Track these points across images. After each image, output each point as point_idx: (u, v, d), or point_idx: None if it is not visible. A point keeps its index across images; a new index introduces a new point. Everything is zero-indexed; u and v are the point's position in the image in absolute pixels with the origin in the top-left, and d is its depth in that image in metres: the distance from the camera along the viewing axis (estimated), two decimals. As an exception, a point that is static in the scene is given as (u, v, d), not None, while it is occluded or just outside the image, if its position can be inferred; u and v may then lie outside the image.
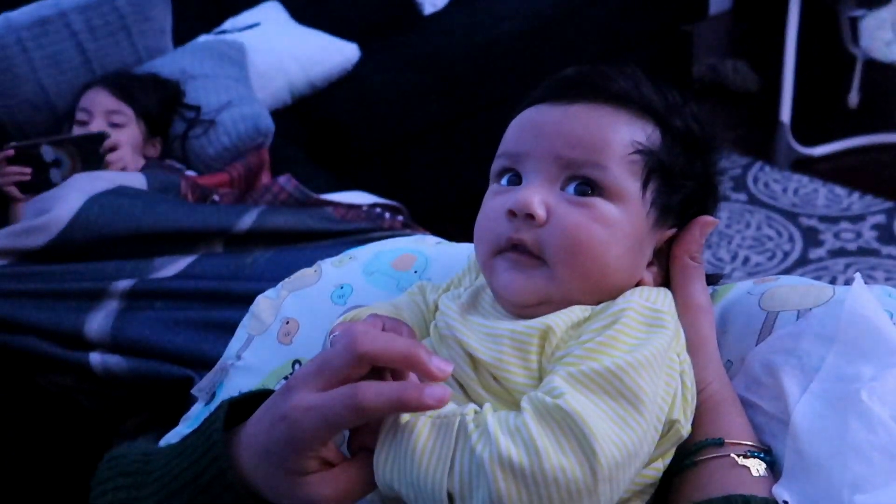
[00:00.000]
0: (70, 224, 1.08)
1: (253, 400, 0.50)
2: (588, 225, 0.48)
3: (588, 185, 0.49)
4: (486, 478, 0.40)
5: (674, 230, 0.53)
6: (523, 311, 0.50)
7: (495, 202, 0.51)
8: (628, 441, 0.42)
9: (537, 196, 0.49)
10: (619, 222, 0.49)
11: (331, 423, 0.42)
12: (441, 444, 0.42)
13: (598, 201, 0.49)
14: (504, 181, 0.53)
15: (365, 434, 0.45)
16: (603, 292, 0.49)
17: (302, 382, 0.44)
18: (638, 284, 0.51)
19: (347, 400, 0.42)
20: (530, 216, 0.49)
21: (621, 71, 0.53)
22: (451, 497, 0.42)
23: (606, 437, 0.41)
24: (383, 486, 0.44)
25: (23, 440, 0.98)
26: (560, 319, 0.48)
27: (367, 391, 0.41)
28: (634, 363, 0.43)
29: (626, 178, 0.50)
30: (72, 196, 1.10)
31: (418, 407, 0.41)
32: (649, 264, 0.52)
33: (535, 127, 0.52)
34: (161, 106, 1.50)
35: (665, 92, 0.53)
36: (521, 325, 0.48)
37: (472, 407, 0.44)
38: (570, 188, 0.50)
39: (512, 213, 0.49)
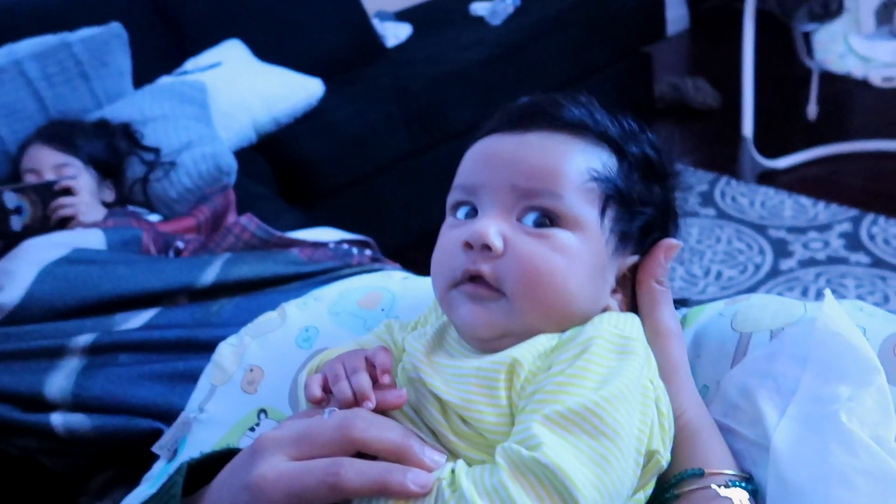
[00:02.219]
0: (22, 303, 1.05)
1: (217, 459, 0.48)
2: (546, 255, 0.48)
3: (546, 217, 0.49)
4: None
5: (636, 256, 0.52)
6: (486, 344, 0.49)
7: (451, 235, 0.50)
8: (609, 482, 0.40)
9: (493, 227, 0.48)
10: (579, 251, 0.48)
11: (301, 497, 0.40)
12: None
13: (556, 231, 0.48)
14: (461, 214, 0.52)
15: None
16: (566, 321, 0.48)
17: (273, 447, 0.43)
18: (604, 311, 0.50)
19: (328, 476, 0.40)
20: (487, 247, 0.48)
21: (575, 99, 0.53)
22: None
23: (588, 484, 0.40)
24: None
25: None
26: (526, 351, 0.46)
27: (350, 470, 0.40)
28: (610, 398, 0.42)
29: (583, 206, 0.49)
30: (22, 270, 1.07)
31: (401, 494, 0.40)
32: (613, 291, 0.51)
33: (489, 157, 0.51)
34: (108, 150, 1.47)
35: (620, 120, 0.53)
36: (487, 361, 0.47)
37: (448, 468, 0.42)
38: (528, 219, 0.49)
39: (468, 245, 0.48)
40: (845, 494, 0.42)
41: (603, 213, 0.49)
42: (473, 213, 0.51)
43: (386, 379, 0.47)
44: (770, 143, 2.34)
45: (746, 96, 2.23)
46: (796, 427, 0.46)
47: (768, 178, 2.29)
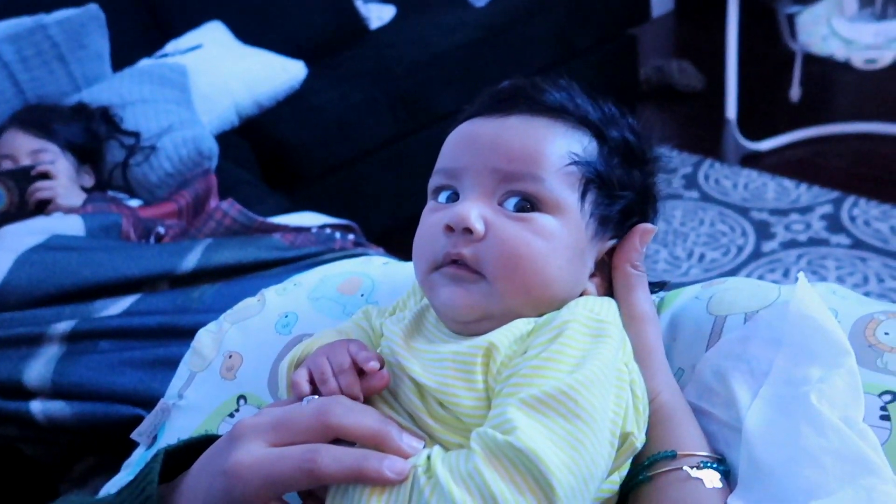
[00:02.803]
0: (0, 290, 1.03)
1: (194, 446, 0.48)
2: (527, 238, 0.48)
3: (527, 201, 0.49)
4: None
5: (615, 241, 0.52)
6: (465, 327, 0.49)
7: (433, 218, 0.51)
8: (583, 464, 0.41)
9: (475, 210, 0.48)
10: (559, 234, 0.49)
11: (278, 483, 0.41)
12: (395, 498, 0.41)
13: (536, 215, 0.49)
14: (442, 198, 0.52)
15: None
16: (545, 305, 0.49)
17: (251, 433, 0.43)
18: (582, 295, 0.51)
19: (304, 463, 0.40)
20: (468, 230, 0.48)
21: (556, 83, 0.53)
22: None
23: (562, 467, 0.40)
24: None
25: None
26: (503, 336, 0.47)
27: (326, 456, 0.41)
28: (584, 381, 0.43)
29: (564, 190, 0.49)
30: None
31: (377, 480, 0.41)
32: (592, 275, 0.52)
33: (471, 141, 0.51)
34: (86, 134, 1.45)
35: (601, 104, 0.53)
36: (464, 345, 0.47)
37: (424, 454, 0.43)
38: (509, 204, 0.49)
39: (449, 228, 0.49)
40: (814, 474, 0.42)
41: (583, 197, 0.50)
42: (455, 196, 0.51)
43: (374, 365, 0.47)
44: (754, 125, 2.35)
45: (730, 79, 2.23)
46: (768, 409, 0.46)
47: (752, 160, 2.30)
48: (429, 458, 0.42)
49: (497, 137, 0.50)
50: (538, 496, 0.39)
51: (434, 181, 0.53)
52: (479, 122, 0.52)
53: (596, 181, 0.50)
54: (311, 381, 0.48)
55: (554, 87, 0.52)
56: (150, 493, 0.43)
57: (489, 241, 0.48)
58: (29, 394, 0.94)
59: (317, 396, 0.47)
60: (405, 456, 0.42)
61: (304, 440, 0.42)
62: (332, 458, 0.41)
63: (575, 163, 0.49)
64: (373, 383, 0.47)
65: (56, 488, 0.97)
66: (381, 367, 0.48)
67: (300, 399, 0.47)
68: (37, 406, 0.92)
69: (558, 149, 0.49)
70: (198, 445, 0.48)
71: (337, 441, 0.43)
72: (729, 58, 2.21)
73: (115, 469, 0.68)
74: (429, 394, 0.46)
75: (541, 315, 0.48)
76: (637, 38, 2.55)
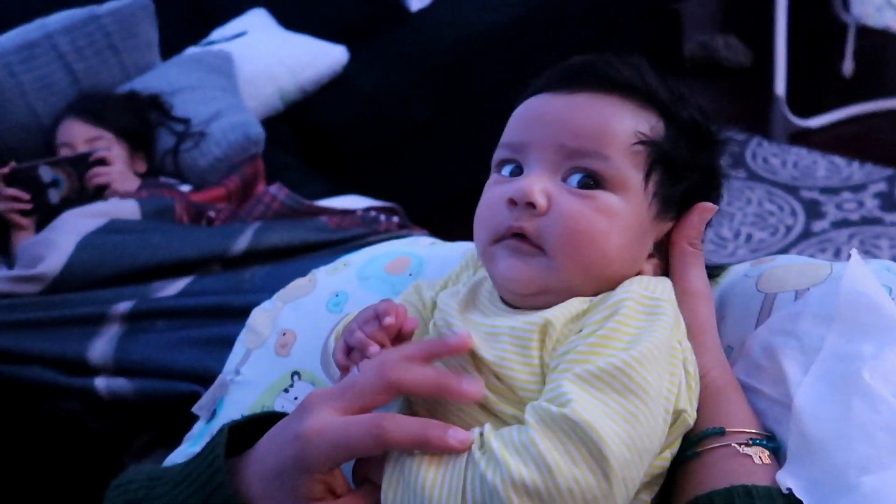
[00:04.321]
0: (63, 272, 1.09)
1: (255, 423, 0.50)
2: (589, 215, 0.48)
3: (591, 178, 0.49)
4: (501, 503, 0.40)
5: (674, 222, 0.52)
6: (523, 300, 0.49)
7: (496, 191, 0.51)
8: (637, 438, 0.41)
9: (538, 185, 0.48)
10: (621, 213, 0.49)
11: (347, 447, 0.42)
12: (450, 475, 0.42)
13: (600, 193, 0.49)
14: (505, 171, 0.52)
15: (369, 466, 0.45)
16: (602, 283, 0.49)
17: (320, 402, 0.44)
18: (637, 275, 0.51)
19: (372, 429, 0.42)
20: (531, 205, 0.48)
21: (626, 60, 0.52)
22: None
23: (616, 439, 0.40)
24: None
25: (33, 466, 0.99)
26: (559, 313, 0.47)
27: (392, 423, 0.42)
28: (640, 357, 0.43)
29: (629, 169, 0.49)
30: (62, 240, 1.11)
31: (441, 447, 0.42)
32: (650, 256, 0.52)
33: (537, 116, 0.51)
34: (138, 121, 1.50)
35: (670, 84, 0.53)
36: (520, 321, 0.48)
37: (476, 431, 0.43)
38: (573, 180, 0.49)
39: (512, 202, 0.49)
40: (866, 449, 0.42)
41: (648, 176, 0.50)
42: (518, 171, 0.51)
43: (389, 320, 0.49)
44: (803, 101, 2.28)
45: (779, 53, 2.17)
46: (819, 385, 0.46)
47: (801, 137, 2.24)
48: (481, 434, 0.43)
49: (564, 114, 0.50)
50: (592, 468, 0.40)
51: (498, 154, 0.53)
52: (546, 98, 0.52)
53: (662, 161, 0.50)
54: (348, 352, 0.50)
55: (624, 64, 0.52)
56: (219, 465, 0.45)
57: (551, 216, 0.48)
58: (92, 370, 0.98)
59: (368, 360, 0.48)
60: (473, 399, 0.44)
61: (370, 401, 0.44)
62: (398, 425, 0.42)
63: (642, 142, 0.49)
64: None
65: (119, 460, 1.02)
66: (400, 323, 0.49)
67: (343, 370, 0.49)
68: (101, 382, 0.97)
69: (626, 127, 0.49)
70: (259, 422, 0.50)
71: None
72: (778, 31, 2.15)
73: (173, 442, 0.71)
74: (485, 366, 0.47)
75: (596, 294, 0.49)
76: (681, 13, 2.49)
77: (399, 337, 0.50)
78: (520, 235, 0.49)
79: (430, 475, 0.42)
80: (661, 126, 0.51)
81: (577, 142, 0.49)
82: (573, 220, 0.48)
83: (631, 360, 0.43)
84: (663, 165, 0.50)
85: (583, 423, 0.40)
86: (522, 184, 0.49)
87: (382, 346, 0.48)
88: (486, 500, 0.40)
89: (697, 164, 0.52)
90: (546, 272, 0.48)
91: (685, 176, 0.51)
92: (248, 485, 0.45)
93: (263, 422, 0.49)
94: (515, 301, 0.50)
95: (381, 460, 0.44)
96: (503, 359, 0.47)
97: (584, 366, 0.43)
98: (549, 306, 0.48)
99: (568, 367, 0.44)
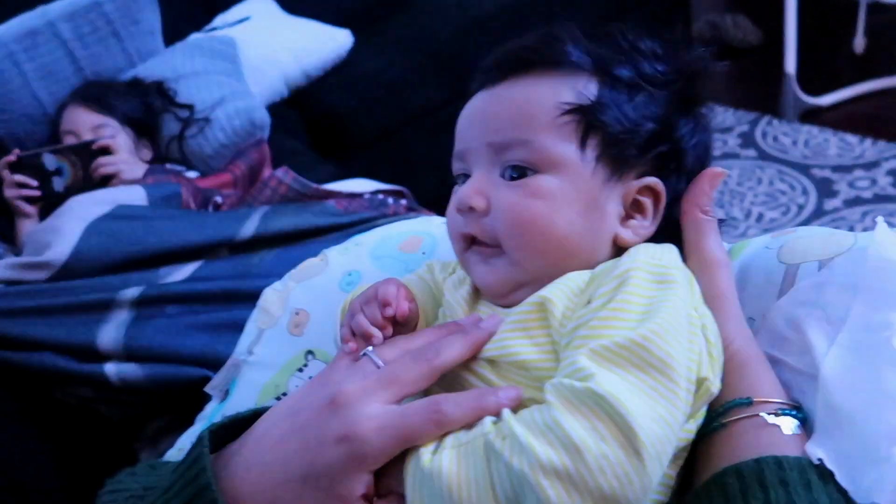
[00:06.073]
0: (70, 259, 1.08)
1: (232, 425, 0.49)
2: (525, 202, 0.48)
3: (519, 167, 0.49)
4: (532, 489, 0.38)
5: (652, 178, 0.50)
6: (505, 299, 0.50)
7: (451, 202, 0.53)
8: (665, 413, 0.40)
9: (472, 188, 0.50)
10: (559, 191, 0.48)
11: (408, 438, 0.42)
12: (474, 471, 0.41)
13: (530, 179, 0.49)
14: (460, 181, 0.53)
15: (390, 478, 0.44)
16: (569, 260, 0.49)
17: (360, 397, 0.44)
18: (616, 242, 0.50)
19: (432, 414, 0.42)
20: (472, 209, 0.50)
21: (546, 34, 0.52)
22: None
23: (644, 414, 0.39)
24: None
25: (45, 453, 0.98)
26: (556, 289, 0.47)
27: (449, 404, 0.43)
28: (658, 329, 0.42)
29: (557, 144, 0.49)
30: (69, 227, 1.10)
31: (498, 407, 0.42)
32: (628, 217, 0.50)
33: (469, 120, 0.53)
34: (143, 108, 1.48)
35: (613, 36, 0.51)
36: (521, 305, 0.48)
37: (489, 421, 0.42)
38: (506, 174, 0.50)
39: (460, 211, 0.51)
40: (898, 418, 0.41)
41: (583, 144, 0.49)
42: (467, 178, 0.52)
43: (389, 311, 0.50)
44: (814, 79, 2.25)
45: (789, 31, 2.14)
46: (846, 354, 0.45)
47: (812, 116, 2.21)
48: (494, 423, 0.42)
49: (487, 110, 0.51)
50: (622, 442, 0.38)
51: (453, 167, 0.54)
52: (475, 98, 0.53)
53: (597, 124, 0.49)
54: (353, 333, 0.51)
55: (543, 38, 0.51)
56: (204, 482, 0.43)
57: (494, 214, 0.49)
58: (102, 357, 0.98)
59: (371, 348, 0.48)
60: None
61: (416, 388, 0.45)
62: (454, 403, 0.43)
63: (566, 112, 0.48)
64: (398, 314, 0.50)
65: (130, 448, 1.02)
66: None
67: (352, 352, 0.49)
68: (111, 368, 0.96)
69: (544, 104, 0.49)
70: (234, 424, 0.49)
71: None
72: (788, 9, 2.12)
73: (185, 429, 0.70)
74: (499, 362, 0.47)
75: (574, 269, 0.48)
76: (689, -7, 2.46)
77: (395, 321, 0.51)
78: (477, 240, 0.50)
79: (454, 476, 0.41)
80: (592, 87, 0.49)
81: (500, 136, 0.50)
82: (511, 212, 0.48)
83: (648, 332, 0.42)
84: (600, 127, 0.49)
85: (609, 396, 0.39)
86: (461, 191, 0.50)
87: (383, 330, 0.49)
88: (516, 488, 0.39)
89: (651, 113, 0.50)
90: (510, 269, 0.49)
91: (633, 130, 0.49)
92: (243, 494, 0.44)
93: (241, 423, 0.49)
94: (500, 302, 0.51)
95: (400, 471, 0.43)
96: (506, 347, 0.47)
97: (599, 341, 0.42)
98: None
99: (582, 342, 0.43)
